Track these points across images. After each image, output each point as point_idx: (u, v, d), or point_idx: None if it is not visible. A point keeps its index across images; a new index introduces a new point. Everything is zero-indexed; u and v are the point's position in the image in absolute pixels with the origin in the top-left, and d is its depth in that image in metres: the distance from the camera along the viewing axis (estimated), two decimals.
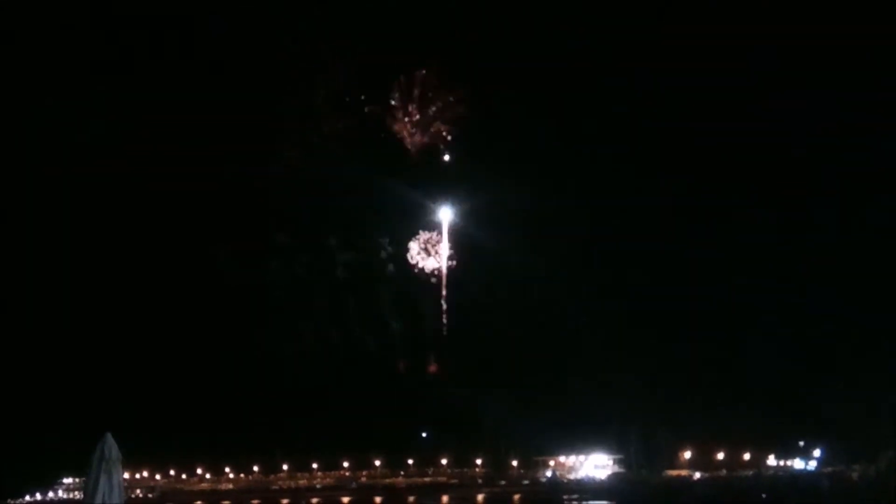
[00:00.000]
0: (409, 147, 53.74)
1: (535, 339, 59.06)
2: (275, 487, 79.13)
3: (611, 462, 72.79)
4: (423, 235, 55.97)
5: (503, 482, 72.63)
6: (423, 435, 68.75)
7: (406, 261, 56.17)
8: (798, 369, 56.15)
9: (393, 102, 53.13)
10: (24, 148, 48.64)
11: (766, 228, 57.18)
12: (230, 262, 55.26)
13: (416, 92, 53.10)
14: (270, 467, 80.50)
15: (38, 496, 78.55)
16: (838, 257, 53.68)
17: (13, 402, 54.01)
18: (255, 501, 69.66)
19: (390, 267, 56.75)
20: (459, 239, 56.84)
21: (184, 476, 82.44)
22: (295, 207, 54.52)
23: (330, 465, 79.68)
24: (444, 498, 65.08)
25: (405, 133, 53.54)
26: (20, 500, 75.39)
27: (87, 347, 58.06)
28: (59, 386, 58.18)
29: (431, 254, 55.84)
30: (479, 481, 74.05)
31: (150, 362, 59.12)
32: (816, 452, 66.74)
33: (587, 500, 57.56)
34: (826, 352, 55.92)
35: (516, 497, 63.11)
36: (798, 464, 68.89)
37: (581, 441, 71.41)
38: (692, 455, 70.28)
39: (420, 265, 55.91)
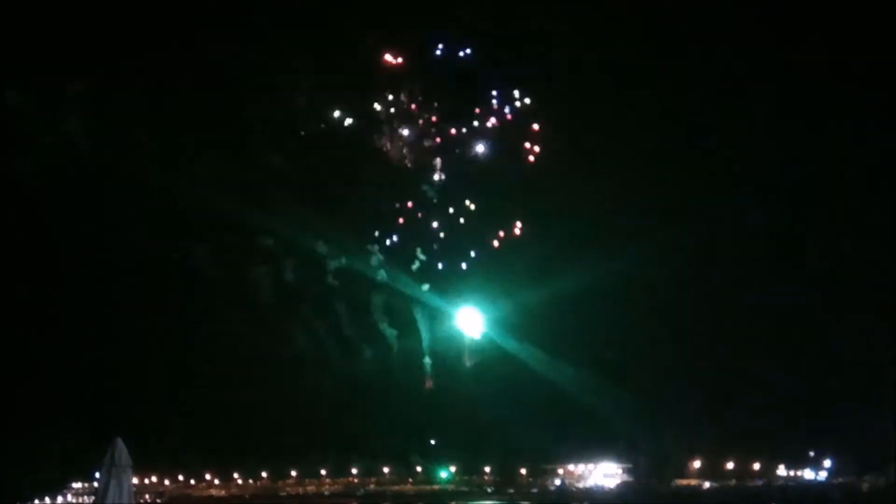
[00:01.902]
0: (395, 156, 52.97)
1: (542, 348, 59.01)
2: (283, 493, 79.05)
3: (620, 471, 72.50)
4: None
5: (511, 490, 72.41)
6: (432, 442, 68.65)
7: None
8: (809, 379, 55.88)
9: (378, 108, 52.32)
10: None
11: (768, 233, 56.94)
12: (231, 267, 55.34)
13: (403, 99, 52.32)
14: (279, 473, 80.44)
15: (48, 500, 78.64)
16: (849, 260, 53.37)
17: (22, 405, 54.20)
18: None
19: (382, 274, 56.39)
20: None
21: (192, 481, 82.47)
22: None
23: (338, 471, 79.57)
24: None
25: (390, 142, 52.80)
26: None
27: (96, 352, 58.23)
28: (68, 390, 58.34)
29: None
30: (488, 490, 73.87)
31: (161, 368, 59.27)
32: (827, 463, 66.35)
33: None
34: (838, 361, 55.61)
35: None
36: (808, 474, 68.50)
37: (590, 449, 71.17)
38: (702, 464, 69.95)
39: None
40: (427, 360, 56.96)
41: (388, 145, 52.38)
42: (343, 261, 56.22)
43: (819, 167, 53.65)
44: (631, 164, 55.33)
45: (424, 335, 57.02)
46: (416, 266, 54.99)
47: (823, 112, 52.10)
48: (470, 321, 56.70)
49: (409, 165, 53.29)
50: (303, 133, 52.20)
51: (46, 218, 53.46)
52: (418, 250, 54.93)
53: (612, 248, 56.11)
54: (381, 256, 55.32)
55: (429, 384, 56.62)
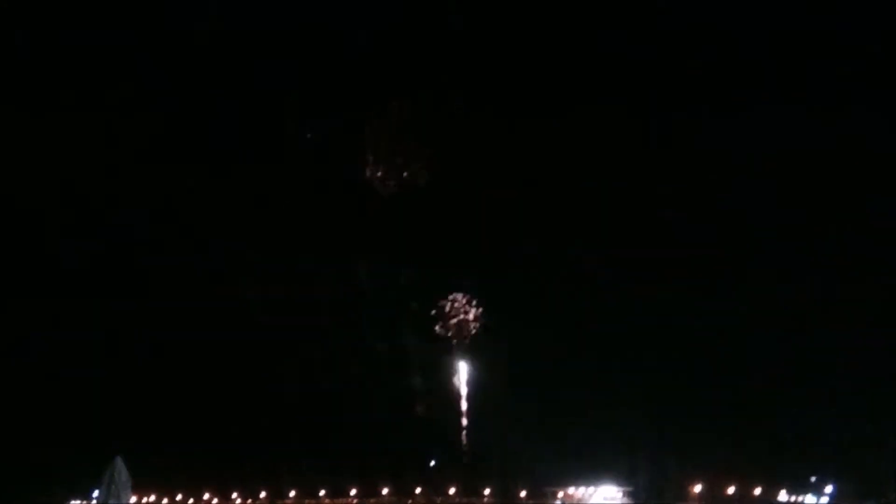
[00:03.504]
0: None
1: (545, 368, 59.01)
2: None
3: (620, 494, 72.24)
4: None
5: None
6: (432, 463, 68.52)
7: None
8: (811, 405, 55.84)
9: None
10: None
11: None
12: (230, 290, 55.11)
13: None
14: (278, 493, 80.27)
15: None
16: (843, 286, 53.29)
17: (21, 423, 54.21)
18: None
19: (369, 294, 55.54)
20: None
21: (191, 500, 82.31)
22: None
23: (337, 491, 79.39)
24: None
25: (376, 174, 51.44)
26: None
27: (96, 369, 58.34)
28: (68, 408, 58.38)
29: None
30: None
31: (159, 386, 59.33)
32: (828, 488, 66.12)
33: None
34: (839, 386, 55.56)
35: None
36: (810, 499, 68.24)
37: (590, 472, 71.02)
38: (702, 489, 69.67)
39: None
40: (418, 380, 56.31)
41: None
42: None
43: None
44: None
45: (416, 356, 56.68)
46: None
47: None
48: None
49: None
50: None
51: (49, 232, 53.51)
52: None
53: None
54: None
55: (419, 409, 55.76)
